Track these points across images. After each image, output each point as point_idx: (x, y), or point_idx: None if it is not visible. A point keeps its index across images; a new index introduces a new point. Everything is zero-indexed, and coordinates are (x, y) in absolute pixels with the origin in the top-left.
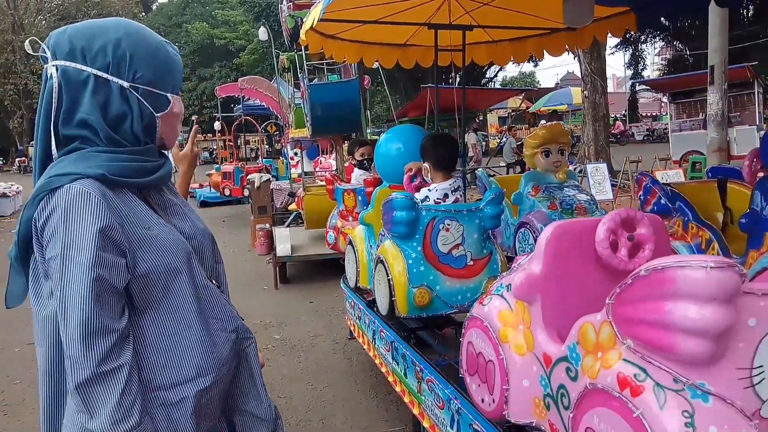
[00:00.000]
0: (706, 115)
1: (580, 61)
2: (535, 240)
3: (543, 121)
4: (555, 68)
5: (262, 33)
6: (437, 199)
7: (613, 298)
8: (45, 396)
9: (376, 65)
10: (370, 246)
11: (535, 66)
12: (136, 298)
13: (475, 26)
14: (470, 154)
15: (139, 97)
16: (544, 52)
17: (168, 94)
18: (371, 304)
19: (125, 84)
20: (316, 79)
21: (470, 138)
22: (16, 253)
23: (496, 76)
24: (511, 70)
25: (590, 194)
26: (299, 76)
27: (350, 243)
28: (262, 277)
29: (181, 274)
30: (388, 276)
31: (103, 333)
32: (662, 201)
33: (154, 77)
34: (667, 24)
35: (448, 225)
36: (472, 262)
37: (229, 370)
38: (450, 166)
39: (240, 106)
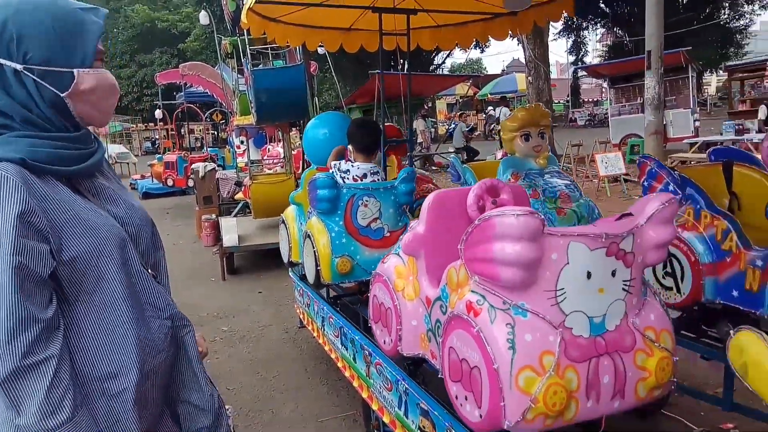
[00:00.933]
0: (643, 99)
1: (524, 48)
2: None
3: (490, 108)
4: (501, 55)
5: (203, 17)
6: (356, 176)
7: (462, 244)
8: None
9: (322, 51)
10: (301, 223)
11: (482, 52)
12: (67, 285)
13: (419, 10)
14: (419, 140)
15: (36, 79)
16: (489, 37)
17: (74, 70)
18: (303, 278)
19: (18, 67)
20: (261, 65)
21: (419, 124)
22: None
23: (443, 62)
24: (459, 56)
25: (571, 180)
26: (243, 61)
27: (283, 222)
28: (208, 269)
29: (113, 260)
30: (314, 248)
31: (26, 324)
32: (670, 187)
33: (49, 54)
34: (606, 11)
35: (367, 201)
36: (388, 234)
37: (166, 359)
38: (371, 150)
39: (182, 93)
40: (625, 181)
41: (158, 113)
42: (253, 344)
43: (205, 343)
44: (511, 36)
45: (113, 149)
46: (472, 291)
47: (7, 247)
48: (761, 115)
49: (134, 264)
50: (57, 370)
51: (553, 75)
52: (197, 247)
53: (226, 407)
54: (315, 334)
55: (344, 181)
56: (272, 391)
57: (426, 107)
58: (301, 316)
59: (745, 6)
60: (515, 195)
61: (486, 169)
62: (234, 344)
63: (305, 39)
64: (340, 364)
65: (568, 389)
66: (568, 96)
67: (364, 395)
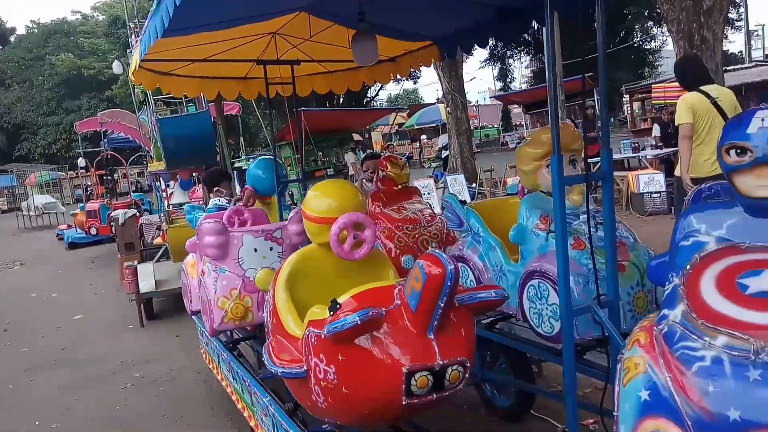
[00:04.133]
0: None
1: (440, 80)
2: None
3: (424, 137)
4: (435, 84)
5: (116, 66)
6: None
7: (196, 239)
8: None
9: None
10: None
11: (415, 83)
12: None
13: (303, 61)
14: (350, 172)
15: None
16: (375, 80)
17: None
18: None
19: None
20: (178, 110)
21: (349, 157)
22: None
23: (377, 95)
24: (393, 88)
25: (618, 219)
26: (149, 110)
27: None
28: (128, 317)
29: None
30: None
31: None
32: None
33: None
34: (530, 39)
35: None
36: None
37: None
38: (209, 187)
39: (105, 140)
40: None
41: (80, 161)
42: (163, 388)
43: None
44: (393, 78)
45: (39, 200)
46: (206, 263)
47: None
48: (655, 132)
49: None
50: None
51: (487, 101)
52: (119, 296)
53: None
54: (215, 372)
55: None
56: (176, 431)
57: (358, 140)
58: (204, 356)
59: (654, 29)
60: (254, 216)
61: (495, 210)
62: (144, 389)
63: (202, 90)
64: (234, 398)
65: (246, 306)
66: (499, 121)
67: (252, 424)
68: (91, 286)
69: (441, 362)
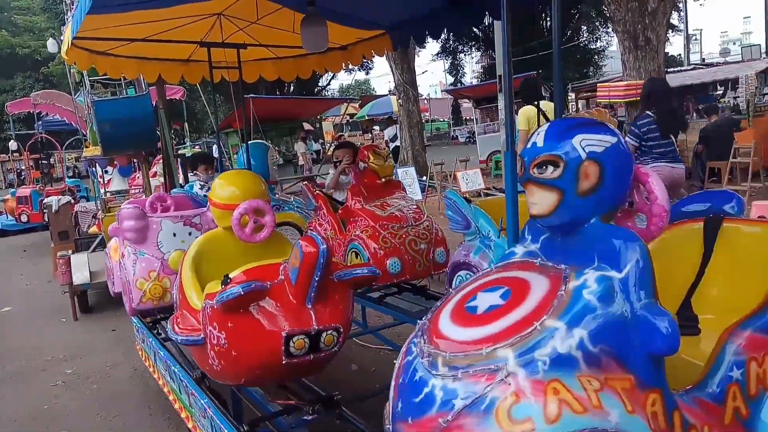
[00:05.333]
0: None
1: (393, 73)
2: None
3: (376, 128)
4: (387, 76)
5: (51, 45)
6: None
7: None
8: None
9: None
10: None
11: (367, 74)
12: None
13: (249, 45)
14: (300, 162)
15: None
16: (325, 68)
17: None
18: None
19: None
20: (117, 93)
21: (299, 147)
22: None
23: (328, 84)
24: (345, 78)
25: None
26: (85, 91)
27: None
28: (61, 309)
29: None
30: None
31: None
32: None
33: None
34: (479, 35)
35: None
36: None
37: None
38: (194, 174)
39: (39, 123)
40: (486, 195)
41: (12, 144)
42: (96, 385)
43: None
44: (344, 67)
45: None
46: (126, 247)
47: None
48: None
49: None
50: None
51: (438, 95)
52: (52, 287)
53: None
54: (151, 369)
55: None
56: (110, 431)
57: (307, 129)
58: (140, 353)
59: (600, 29)
60: (177, 202)
61: (504, 209)
62: (75, 387)
63: (141, 71)
64: (171, 397)
65: (164, 287)
66: (450, 115)
67: (190, 425)
68: (22, 277)
69: (316, 327)
